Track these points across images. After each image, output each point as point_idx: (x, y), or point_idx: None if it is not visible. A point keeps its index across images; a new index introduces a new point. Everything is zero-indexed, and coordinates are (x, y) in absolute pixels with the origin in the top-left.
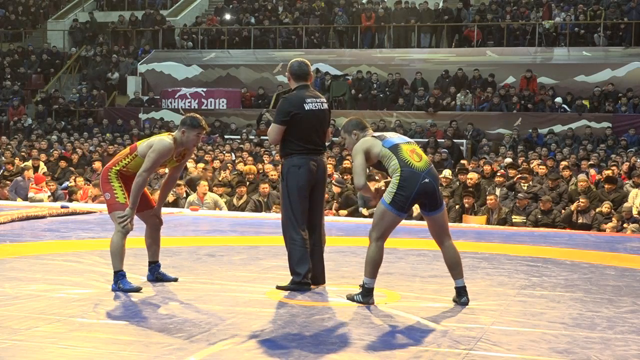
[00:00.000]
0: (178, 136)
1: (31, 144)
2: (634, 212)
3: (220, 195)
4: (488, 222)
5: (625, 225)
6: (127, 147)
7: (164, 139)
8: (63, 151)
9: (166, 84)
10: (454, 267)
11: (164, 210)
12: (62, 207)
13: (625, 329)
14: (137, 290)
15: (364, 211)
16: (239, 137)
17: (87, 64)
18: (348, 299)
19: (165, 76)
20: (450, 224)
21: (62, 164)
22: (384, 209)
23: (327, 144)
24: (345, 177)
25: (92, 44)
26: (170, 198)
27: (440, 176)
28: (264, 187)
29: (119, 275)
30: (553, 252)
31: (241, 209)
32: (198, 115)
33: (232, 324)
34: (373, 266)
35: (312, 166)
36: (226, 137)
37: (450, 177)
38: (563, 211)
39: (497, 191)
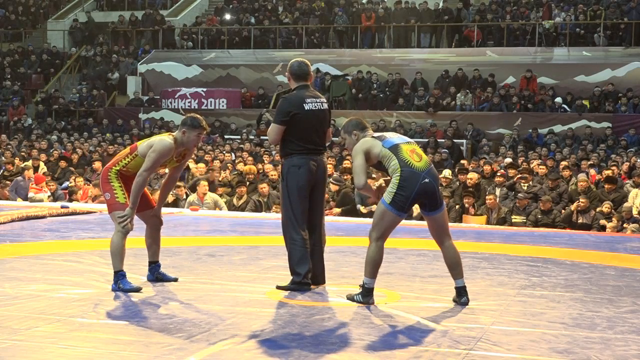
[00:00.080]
0: (178, 136)
1: (31, 144)
2: (634, 212)
3: (220, 195)
4: (488, 222)
5: (625, 225)
6: (127, 147)
7: (164, 139)
8: (63, 151)
9: (166, 84)
10: (454, 267)
11: (164, 210)
12: (62, 207)
13: (625, 329)
14: (137, 290)
15: (362, 209)
16: (239, 137)
17: (87, 64)
18: (348, 299)
19: (165, 76)
20: (450, 224)
21: (62, 164)
22: (384, 209)
23: (327, 144)
24: (345, 177)
25: (92, 44)
26: (170, 199)
27: (440, 176)
28: (264, 187)
29: (119, 275)
30: (553, 252)
31: (241, 209)
32: (198, 116)
33: (232, 324)
34: (373, 266)
35: (312, 166)
36: (226, 137)
37: (450, 177)
38: (563, 211)
39: (497, 191)
